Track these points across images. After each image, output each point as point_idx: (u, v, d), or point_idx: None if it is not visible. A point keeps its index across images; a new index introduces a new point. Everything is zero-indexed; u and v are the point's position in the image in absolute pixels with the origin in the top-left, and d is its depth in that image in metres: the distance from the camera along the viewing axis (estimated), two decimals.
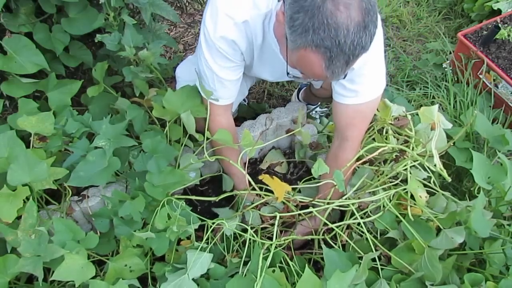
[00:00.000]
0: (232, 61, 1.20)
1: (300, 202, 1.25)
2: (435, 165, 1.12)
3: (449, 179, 1.11)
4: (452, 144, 1.29)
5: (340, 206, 1.23)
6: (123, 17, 1.35)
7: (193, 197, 1.31)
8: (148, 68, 1.36)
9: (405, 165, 1.20)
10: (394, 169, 1.21)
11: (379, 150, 1.20)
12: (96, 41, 1.33)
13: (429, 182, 1.23)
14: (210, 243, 1.19)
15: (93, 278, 1.01)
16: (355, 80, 1.15)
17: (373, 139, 1.33)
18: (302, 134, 1.51)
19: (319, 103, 1.95)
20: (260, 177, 1.18)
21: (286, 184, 1.15)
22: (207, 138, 1.26)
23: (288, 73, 1.11)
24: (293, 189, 1.22)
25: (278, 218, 1.18)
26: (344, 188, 1.10)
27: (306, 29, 0.87)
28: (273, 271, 1.04)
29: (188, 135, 1.33)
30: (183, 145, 1.34)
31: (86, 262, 1.01)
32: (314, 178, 1.27)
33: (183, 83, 1.34)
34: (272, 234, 1.14)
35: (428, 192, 1.23)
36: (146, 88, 1.41)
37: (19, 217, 1.04)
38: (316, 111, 1.96)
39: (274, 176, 1.15)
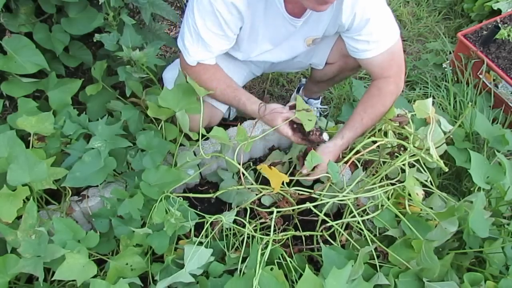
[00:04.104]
0: (223, 29, 1.18)
1: (299, 194, 1.26)
2: (432, 156, 1.13)
3: (445, 169, 1.12)
4: (448, 137, 1.30)
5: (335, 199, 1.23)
6: (122, 17, 1.35)
7: (190, 195, 1.31)
8: (142, 69, 1.35)
9: (403, 160, 1.20)
10: (392, 165, 1.22)
11: (377, 144, 1.21)
12: (95, 40, 1.33)
13: (427, 181, 1.23)
14: (208, 237, 1.19)
15: (93, 277, 1.01)
16: (372, 33, 1.23)
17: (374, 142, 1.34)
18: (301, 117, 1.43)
19: (320, 97, 1.95)
20: (258, 167, 1.19)
21: (283, 175, 1.15)
22: (203, 136, 1.25)
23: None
24: (291, 181, 1.23)
25: (275, 213, 1.18)
26: (338, 179, 1.11)
27: None
28: (271, 269, 1.04)
29: (184, 133, 1.33)
30: (179, 143, 1.34)
31: (88, 261, 1.02)
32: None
33: (171, 85, 1.33)
34: (274, 231, 1.15)
35: (426, 192, 1.24)
36: (140, 89, 1.40)
37: (19, 217, 1.04)
38: (317, 108, 1.95)
39: (271, 167, 1.16)
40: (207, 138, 1.52)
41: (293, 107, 1.28)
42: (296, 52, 1.43)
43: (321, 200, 1.23)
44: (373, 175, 1.34)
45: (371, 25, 1.21)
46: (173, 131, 1.34)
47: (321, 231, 1.27)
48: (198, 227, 1.24)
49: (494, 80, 1.91)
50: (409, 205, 1.20)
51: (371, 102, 1.32)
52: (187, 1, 1.53)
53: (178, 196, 1.18)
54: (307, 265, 0.98)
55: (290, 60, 1.57)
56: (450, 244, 1.17)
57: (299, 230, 1.31)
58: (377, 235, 1.24)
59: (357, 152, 1.25)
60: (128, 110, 1.34)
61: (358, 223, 1.20)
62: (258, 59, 1.43)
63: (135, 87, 1.39)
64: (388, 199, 1.23)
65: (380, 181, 1.27)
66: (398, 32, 1.28)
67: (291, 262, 1.13)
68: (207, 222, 1.18)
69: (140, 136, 1.22)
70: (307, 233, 1.28)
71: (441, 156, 1.29)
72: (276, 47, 1.37)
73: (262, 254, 1.06)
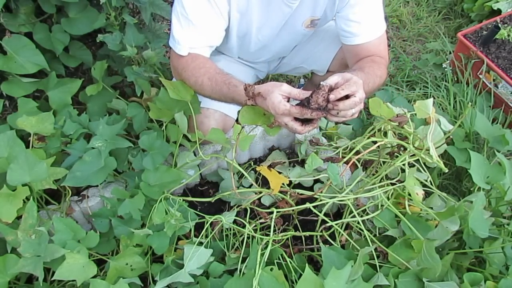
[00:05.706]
0: (212, 6, 1.16)
1: (299, 195, 1.26)
2: (432, 157, 1.13)
3: (445, 170, 1.12)
4: (448, 137, 1.30)
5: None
6: (124, 16, 1.35)
7: (190, 198, 1.31)
8: (152, 68, 1.36)
9: (403, 160, 1.20)
10: (392, 164, 1.22)
11: (377, 144, 1.21)
12: (98, 41, 1.33)
13: (427, 181, 1.23)
14: (208, 237, 1.19)
15: (93, 277, 1.01)
16: (365, 11, 1.26)
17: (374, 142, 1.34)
18: None
19: None
20: (257, 168, 1.19)
21: (282, 177, 1.15)
22: (200, 138, 1.25)
23: None
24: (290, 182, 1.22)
25: (275, 213, 1.18)
26: (338, 181, 1.11)
27: None
28: (271, 269, 1.04)
29: (183, 134, 1.33)
30: (178, 144, 1.34)
31: (87, 261, 1.01)
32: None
33: None
34: (274, 231, 1.15)
35: (426, 192, 1.23)
36: (149, 88, 1.41)
37: (19, 217, 1.04)
38: None
39: (271, 168, 1.15)
40: None
41: None
42: (295, 36, 1.41)
43: (321, 200, 1.23)
44: (373, 175, 1.34)
45: (365, 3, 1.23)
46: (176, 132, 1.34)
47: (321, 231, 1.27)
48: (198, 227, 1.24)
49: (494, 80, 1.91)
50: (409, 205, 1.19)
51: (366, 64, 1.26)
52: None
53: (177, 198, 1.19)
54: (307, 265, 0.98)
55: (291, 55, 1.56)
56: (450, 244, 1.17)
57: (299, 230, 1.31)
58: (377, 235, 1.24)
59: (357, 152, 1.25)
60: (134, 108, 1.35)
61: (358, 223, 1.20)
62: (258, 49, 1.41)
63: (144, 86, 1.40)
64: (388, 199, 1.23)
65: (380, 181, 1.27)
66: (383, 23, 1.32)
67: (291, 262, 1.13)
68: (207, 223, 1.18)
69: (143, 136, 1.22)
70: (307, 233, 1.28)
71: (441, 156, 1.29)
72: (274, 34, 1.35)
73: (262, 254, 1.06)
